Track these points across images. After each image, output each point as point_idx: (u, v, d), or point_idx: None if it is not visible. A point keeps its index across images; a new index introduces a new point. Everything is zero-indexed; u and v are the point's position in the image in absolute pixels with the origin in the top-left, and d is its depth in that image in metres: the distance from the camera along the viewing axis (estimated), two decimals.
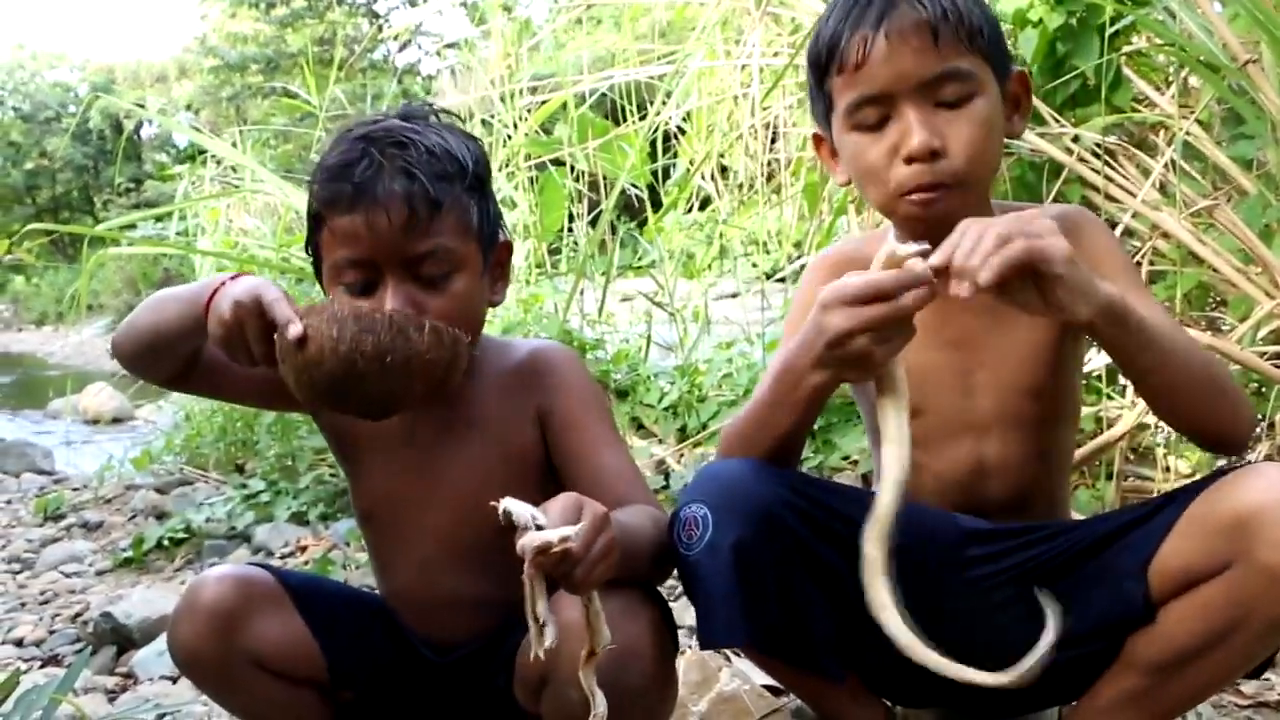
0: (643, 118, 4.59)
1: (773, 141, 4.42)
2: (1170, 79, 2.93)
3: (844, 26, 1.30)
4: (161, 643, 2.30)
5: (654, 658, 1.23)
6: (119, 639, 2.43)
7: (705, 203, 5.24)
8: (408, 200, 1.28)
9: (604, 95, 4.91)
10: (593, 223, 4.62)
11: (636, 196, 4.84)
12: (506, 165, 4.88)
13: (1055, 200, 2.53)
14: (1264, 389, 2.39)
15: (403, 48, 21.89)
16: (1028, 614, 1.34)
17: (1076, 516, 1.61)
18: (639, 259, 5.22)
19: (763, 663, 1.46)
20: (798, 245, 4.09)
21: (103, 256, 4.83)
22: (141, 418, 7.23)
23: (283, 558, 3.10)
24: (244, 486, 3.69)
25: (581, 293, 4.08)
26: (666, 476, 3.05)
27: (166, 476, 4.46)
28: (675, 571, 1.31)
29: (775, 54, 4.09)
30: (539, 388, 1.44)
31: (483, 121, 4.99)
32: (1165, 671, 1.26)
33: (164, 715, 1.95)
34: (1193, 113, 2.68)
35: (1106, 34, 2.51)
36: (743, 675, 1.69)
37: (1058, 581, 1.33)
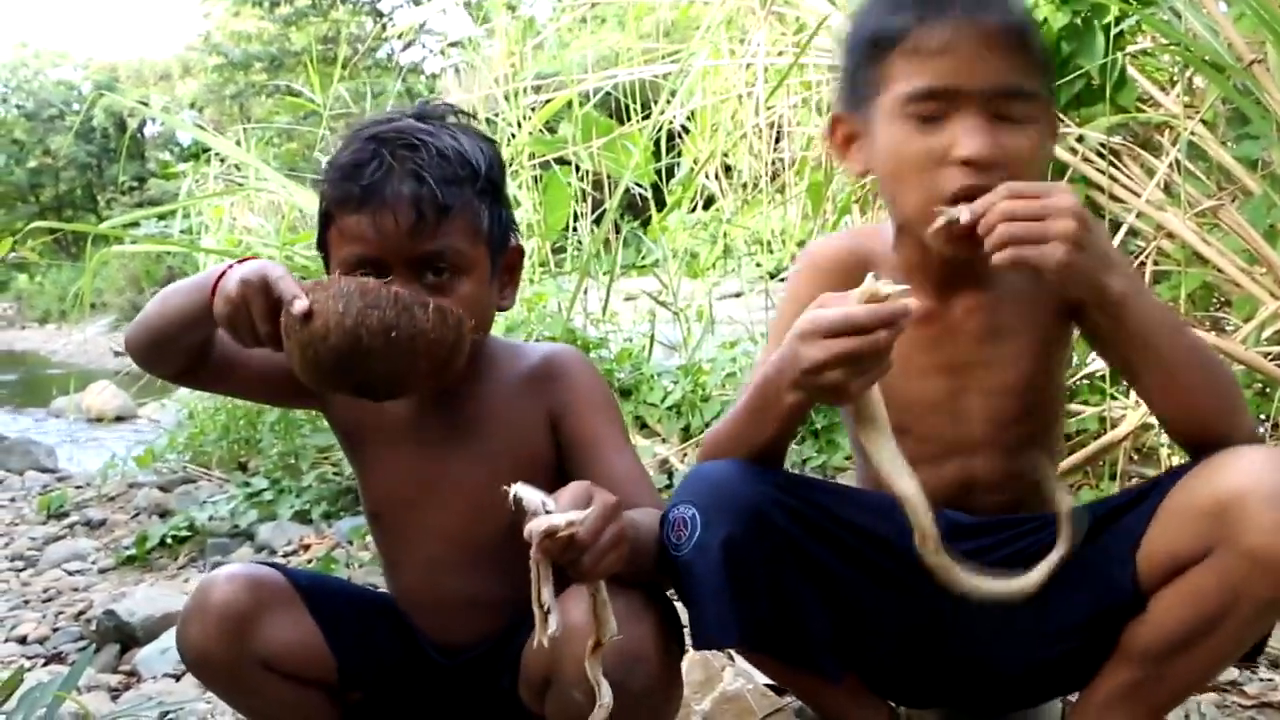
0: (647, 117, 4.58)
1: (777, 141, 4.41)
2: (1175, 79, 2.92)
3: (925, 9, 1.24)
4: (164, 641, 2.30)
5: (659, 660, 1.23)
6: (122, 637, 2.43)
7: (709, 202, 5.24)
8: (415, 203, 1.29)
9: (608, 94, 4.91)
10: (597, 221, 4.62)
11: (640, 195, 4.84)
12: (511, 164, 4.88)
13: None
14: (1268, 389, 2.39)
15: (407, 46, 21.88)
16: (1022, 605, 1.34)
17: None
18: (643, 258, 5.23)
19: (760, 662, 1.46)
20: (801, 245, 4.09)
21: (106, 255, 4.82)
22: (144, 416, 7.23)
23: (285, 556, 3.10)
24: (247, 485, 3.68)
25: (585, 292, 4.07)
26: (670, 476, 3.05)
27: (169, 474, 4.46)
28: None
29: (780, 53, 4.09)
30: (551, 391, 1.44)
31: (487, 120, 4.99)
32: (1160, 661, 1.26)
33: (167, 713, 1.95)
34: (1198, 113, 2.68)
35: (1111, 33, 2.50)
36: (746, 675, 1.69)
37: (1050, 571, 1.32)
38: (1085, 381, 2.73)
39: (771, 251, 4.72)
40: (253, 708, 1.46)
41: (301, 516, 3.42)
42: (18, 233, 4.53)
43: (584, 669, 1.11)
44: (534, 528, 1.02)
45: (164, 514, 3.81)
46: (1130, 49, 2.70)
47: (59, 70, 34.23)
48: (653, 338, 3.98)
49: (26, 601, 2.93)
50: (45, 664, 2.42)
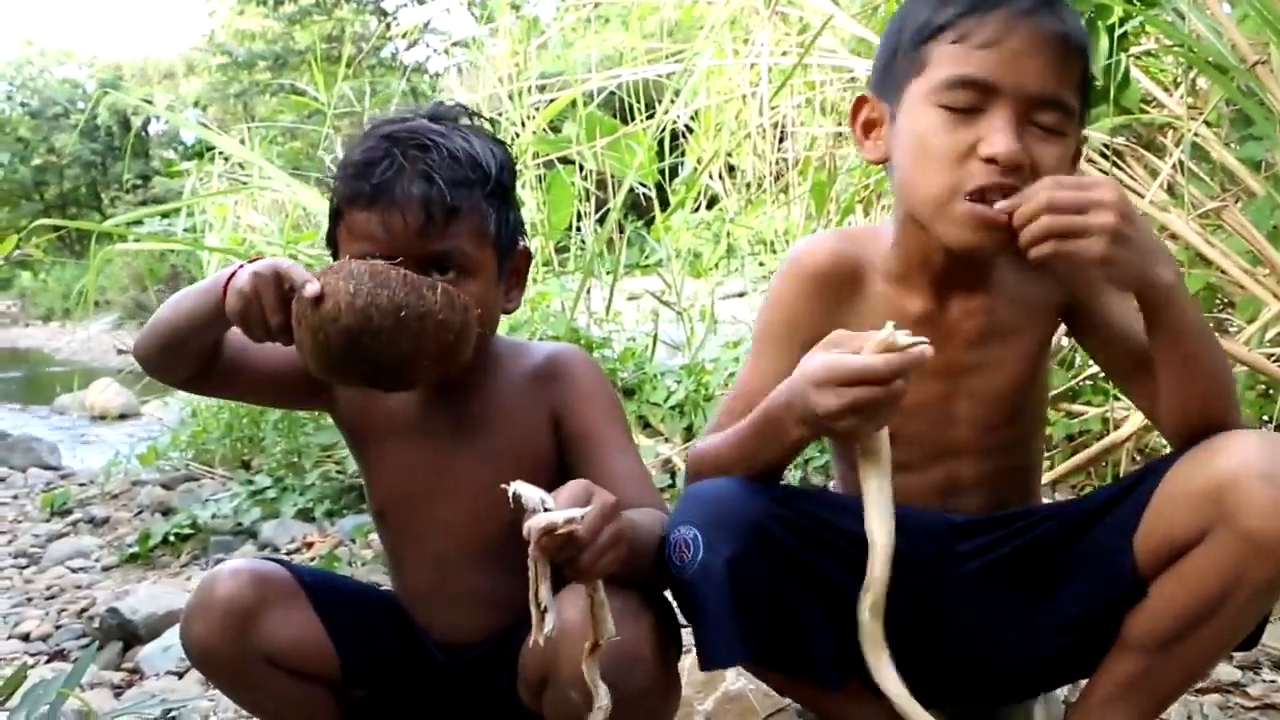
0: (650, 116, 4.58)
1: (781, 141, 4.41)
2: (1179, 80, 2.92)
3: (982, 1, 1.22)
4: (167, 638, 2.31)
5: (656, 660, 1.24)
6: (125, 635, 2.44)
7: (713, 202, 5.24)
8: (424, 204, 1.29)
9: (612, 94, 4.90)
10: (600, 221, 4.62)
11: (644, 195, 4.83)
12: (515, 162, 4.87)
13: None
14: (1271, 391, 2.39)
15: (411, 45, 21.88)
16: (1024, 599, 1.34)
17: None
18: (646, 258, 5.23)
19: (761, 674, 1.45)
20: None
21: (110, 252, 4.82)
22: (148, 414, 7.25)
23: (288, 554, 3.11)
24: (250, 483, 3.69)
25: (588, 291, 4.08)
26: (672, 475, 3.05)
27: (173, 472, 4.47)
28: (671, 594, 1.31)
29: (784, 53, 4.08)
30: (555, 390, 1.45)
31: (491, 120, 4.99)
32: (1161, 650, 1.25)
33: (170, 711, 1.96)
34: (1201, 114, 2.67)
35: (1115, 34, 2.50)
36: (748, 675, 1.69)
37: (1049, 564, 1.33)
38: (1088, 382, 2.73)
39: (775, 251, 4.72)
40: (256, 703, 1.47)
41: (304, 514, 3.43)
42: (22, 230, 4.52)
43: (581, 670, 1.11)
44: (532, 525, 1.02)
45: (167, 512, 3.82)
46: (1134, 50, 2.70)
47: (64, 68, 34.29)
48: (656, 337, 3.98)
49: (29, 599, 2.94)
50: (48, 661, 2.43)
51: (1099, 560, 1.29)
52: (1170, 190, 2.65)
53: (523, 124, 4.86)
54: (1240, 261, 2.45)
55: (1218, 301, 2.85)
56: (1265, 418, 2.38)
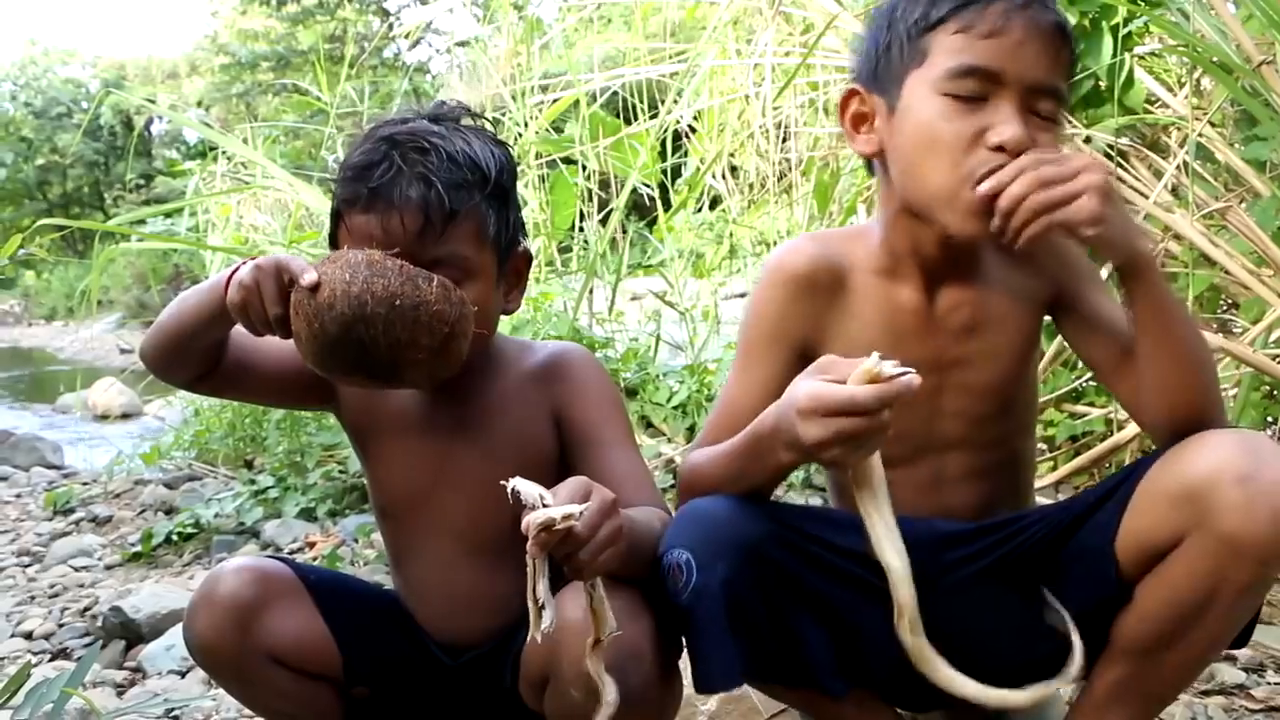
0: (653, 117, 4.59)
1: (784, 141, 4.41)
2: (1183, 80, 2.92)
3: None
4: (170, 637, 2.31)
5: (656, 658, 1.23)
6: (127, 633, 2.44)
7: (715, 202, 5.24)
8: (423, 207, 1.29)
9: (615, 94, 4.90)
10: (603, 221, 4.62)
11: (647, 195, 4.83)
12: (517, 163, 4.86)
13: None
14: (1275, 392, 2.38)
15: (413, 45, 21.89)
16: (1016, 603, 1.34)
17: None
18: (649, 258, 5.22)
19: (762, 688, 1.45)
20: None
21: (113, 252, 4.83)
22: (150, 413, 7.25)
23: (291, 553, 3.11)
24: (253, 482, 3.69)
25: (591, 291, 4.08)
26: (675, 475, 3.05)
27: (175, 472, 4.47)
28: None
29: (786, 53, 4.08)
30: (557, 388, 1.45)
31: (494, 120, 4.99)
32: (1150, 654, 1.25)
33: (172, 710, 1.96)
34: (1205, 114, 2.67)
35: (1119, 34, 2.50)
36: None
37: (1036, 569, 1.32)
38: (1091, 383, 2.73)
39: None
40: (258, 700, 1.47)
41: (307, 514, 3.43)
42: (25, 230, 4.53)
43: (581, 667, 1.11)
44: (531, 520, 1.02)
45: (170, 511, 3.82)
46: (1138, 50, 2.70)
47: (67, 68, 34.31)
48: (658, 337, 3.98)
49: (33, 597, 2.94)
50: (51, 660, 2.43)
51: (1084, 563, 1.28)
52: (1174, 191, 2.65)
53: (525, 124, 4.86)
54: (1245, 262, 2.45)
55: (1222, 302, 2.85)
56: (1270, 419, 2.38)
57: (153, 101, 12.02)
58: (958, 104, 1.23)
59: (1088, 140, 2.61)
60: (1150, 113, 2.80)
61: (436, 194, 1.29)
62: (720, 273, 5.04)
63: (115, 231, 4.54)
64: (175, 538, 3.33)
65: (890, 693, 1.45)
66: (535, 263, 4.78)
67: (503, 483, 1.05)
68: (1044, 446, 2.76)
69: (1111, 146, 2.60)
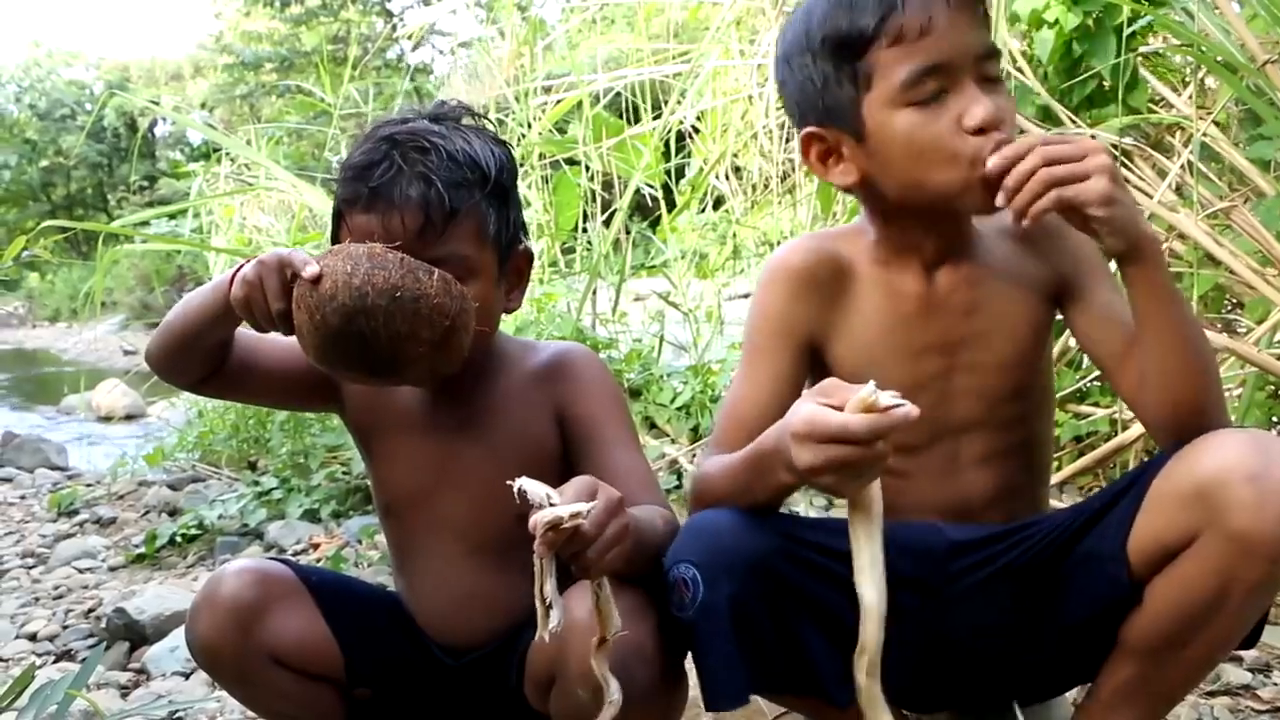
0: (657, 117, 4.58)
1: (787, 141, 4.41)
2: (1187, 80, 2.91)
3: None
4: (174, 639, 2.31)
5: (661, 658, 1.23)
6: (132, 635, 2.44)
7: (719, 202, 5.23)
8: (423, 206, 1.30)
9: (618, 95, 4.91)
10: (607, 222, 4.62)
11: (650, 196, 4.83)
12: (521, 164, 4.87)
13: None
14: None
15: (416, 47, 21.91)
16: (1025, 608, 1.34)
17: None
18: (652, 259, 5.22)
19: (768, 697, 1.45)
20: None
21: (117, 254, 4.85)
22: (154, 414, 7.25)
23: (295, 555, 3.11)
24: (256, 484, 3.69)
25: (595, 292, 4.08)
26: (678, 476, 3.05)
27: (179, 473, 4.47)
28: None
29: None
30: (560, 387, 1.45)
31: (497, 121, 5.00)
32: (1160, 654, 1.25)
33: (176, 712, 1.96)
34: (1210, 114, 2.66)
35: (1123, 34, 2.49)
36: None
37: (1047, 574, 1.32)
38: (1096, 383, 2.72)
39: None
40: (260, 701, 1.47)
41: (310, 515, 3.43)
42: (29, 231, 4.53)
43: (588, 666, 1.11)
44: (538, 519, 1.02)
45: (173, 512, 3.82)
46: (1142, 50, 2.69)
47: (71, 70, 34.39)
48: (662, 338, 3.98)
49: (37, 599, 2.94)
50: (55, 661, 2.43)
51: (1095, 567, 1.28)
52: (1179, 190, 2.64)
53: (529, 125, 4.86)
54: (1250, 262, 2.44)
55: (1227, 302, 2.85)
56: (1275, 419, 2.37)
57: (156, 103, 12.03)
58: (923, 109, 1.24)
59: (1092, 140, 2.60)
60: (1154, 112, 2.80)
61: (436, 193, 1.30)
62: (724, 273, 5.03)
63: (119, 233, 4.53)
64: (179, 539, 3.33)
65: (896, 695, 1.45)
66: (538, 264, 4.81)
67: (509, 482, 1.05)
68: None
69: (1116, 146, 2.59)
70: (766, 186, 4.63)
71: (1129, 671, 1.28)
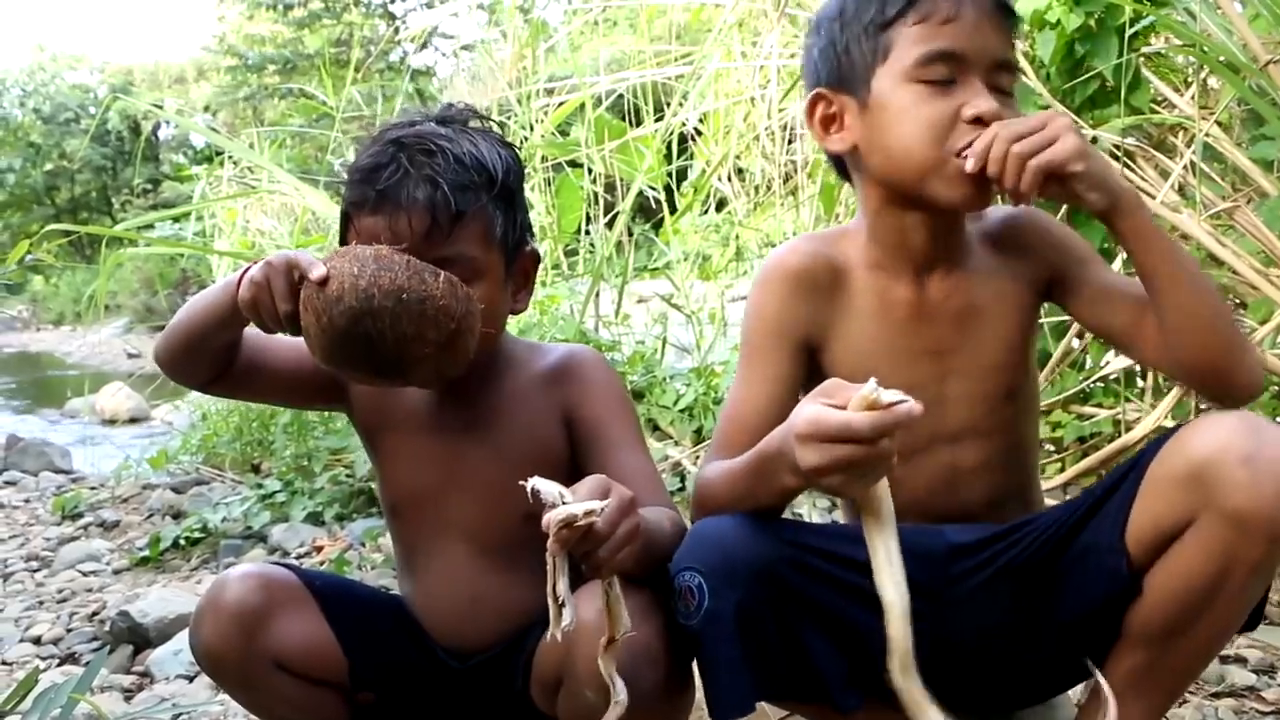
0: (659, 119, 4.59)
1: (789, 143, 4.41)
2: (1190, 80, 2.91)
3: None
4: (178, 642, 2.31)
5: (668, 659, 1.23)
6: (135, 638, 2.44)
7: (721, 204, 5.23)
8: (429, 209, 1.30)
9: (620, 97, 4.91)
10: (609, 224, 4.63)
11: (653, 198, 4.84)
12: (524, 165, 4.87)
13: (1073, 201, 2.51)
14: None
15: (419, 49, 21.93)
16: (1026, 607, 1.34)
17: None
18: (655, 260, 5.22)
19: (774, 703, 1.45)
20: None
21: (120, 257, 4.85)
22: (158, 418, 7.26)
23: (298, 558, 3.11)
24: (260, 486, 3.69)
25: (598, 294, 4.08)
26: (682, 478, 3.05)
27: (183, 476, 4.47)
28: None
29: (792, 55, 4.08)
30: (567, 389, 1.46)
31: (500, 123, 4.99)
32: (1164, 641, 1.25)
33: (180, 715, 1.96)
34: (1212, 114, 2.66)
35: (1125, 34, 2.49)
36: None
37: (1047, 571, 1.32)
38: (1099, 384, 2.72)
39: None
40: (264, 707, 1.47)
41: (314, 518, 3.43)
42: (33, 235, 4.54)
43: (596, 668, 1.12)
44: (552, 517, 1.02)
45: (177, 515, 3.82)
46: (1144, 50, 2.69)
47: (75, 74, 34.46)
48: (665, 340, 3.98)
49: (41, 602, 2.94)
50: (59, 664, 2.43)
51: (1094, 560, 1.28)
52: (1181, 191, 2.64)
53: (531, 127, 4.87)
54: (1253, 262, 2.43)
55: (1230, 302, 2.84)
56: (1279, 420, 2.36)
57: (160, 106, 12.06)
58: (930, 89, 1.29)
59: (1094, 141, 2.60)
60: (1157, 112, 2.79)
61: (443, 195, 1.31)
62: (727, 275, 5.03)
63: (122, 236, 4.55)
64: (183, 542, 3.33)
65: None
66: (541, 266, 4.81)
67: (521, 482, 1.05)
68: (1052, 448, 2.75)
69: (1118, 147, 2.58)
70: (769, 188, 4.63)
71: (1134, 661, 1.28)
